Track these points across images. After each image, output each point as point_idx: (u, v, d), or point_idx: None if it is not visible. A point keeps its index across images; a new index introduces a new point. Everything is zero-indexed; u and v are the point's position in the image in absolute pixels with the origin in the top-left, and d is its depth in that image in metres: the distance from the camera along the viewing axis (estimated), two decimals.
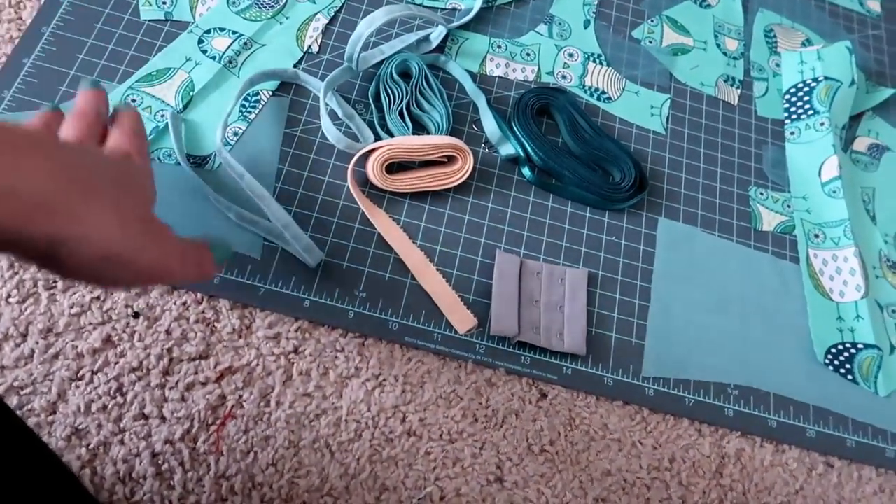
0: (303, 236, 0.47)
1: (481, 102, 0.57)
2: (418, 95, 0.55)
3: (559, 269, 0.52)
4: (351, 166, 0.51)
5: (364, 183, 0.53)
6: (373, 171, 0.51)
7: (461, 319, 0.49)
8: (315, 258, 0.48)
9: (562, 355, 0.50)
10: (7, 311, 0.45)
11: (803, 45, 0.68)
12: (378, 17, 0.52)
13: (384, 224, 0.51)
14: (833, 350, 0.54)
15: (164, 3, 0.56)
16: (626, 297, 0.53)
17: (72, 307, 0.45)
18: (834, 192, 0.58)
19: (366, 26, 0.52)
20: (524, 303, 0.50)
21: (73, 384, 0.44)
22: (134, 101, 0.52)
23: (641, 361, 0.51)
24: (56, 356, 0.44)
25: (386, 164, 0.51)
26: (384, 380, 0.48)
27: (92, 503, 0.37)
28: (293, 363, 0.47)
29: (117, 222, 0.30)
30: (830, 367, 0.53)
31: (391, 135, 0.54)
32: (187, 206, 0.49)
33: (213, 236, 0.39)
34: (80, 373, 0.44)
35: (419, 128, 0.55)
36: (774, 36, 0.68)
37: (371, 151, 0.51)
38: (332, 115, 0.53)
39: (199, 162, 0.51)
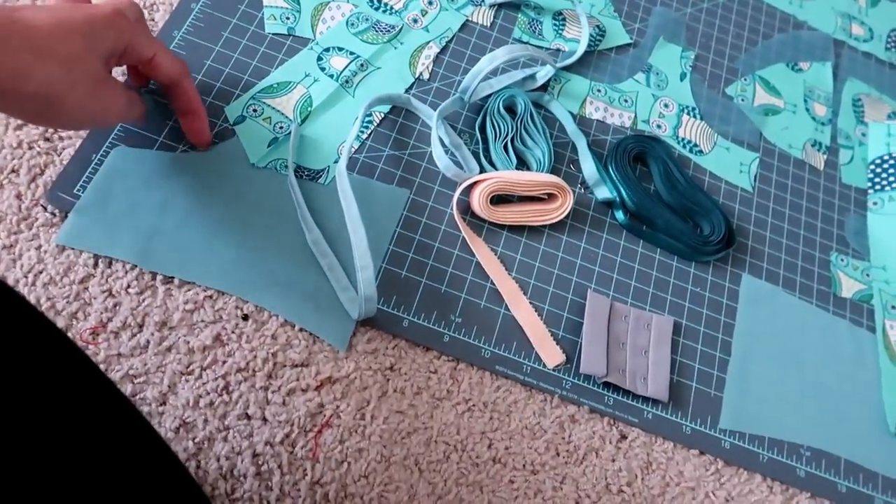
0: (372, 284, 0.47)
1: (581, 144, 0.58)
2: (522, 131, 0.57)
3: (646, 315, 0.54)
4: (456, 195, 0.53)
5: (465, 211, 0.55)
6: (478, 201, 0.52)
7: (550, 354, 0.51)
8: (369, 311, 0.48)
9: (643, 399, 0.51)
10: (126, 301, 0.47)
11: (889, 116, 0.69)
12: (499, 56, 0.54)
13: (483, 253, 0.53)
14: None
15: (288, 18, 0.59)
16: (707, 348, 0.54)
17: (186, 303, 0.47)
18: None
19: (487, 63, 0.54)
20: (611, 344, 0.52)
21: (184, 378, 0.46)
22: (255, 111, 0.54)
23: (719, 413, 0.52)
24: (169, 349, 0.46)
25: (491, 196, 0.53)
26: (473, 405, 0.49)
27: (199, 494, 0.39)
28: (389, 379, 0.49)
29: (66, 79, 0.38)
30: None
31: (494, 167, 0.56)
32: (277, 213, 0.51)
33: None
34: (191, 367, 0.46)
35: (521, 163, 0.57)
36: (862, 105, 0.69)
37: (477, 182, 0.53)
38: (440, 143, 0.55)
39: (312, 176, 0.53)
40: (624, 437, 0.51)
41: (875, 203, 0.64)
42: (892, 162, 0.64)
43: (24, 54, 0.36)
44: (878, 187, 0.64)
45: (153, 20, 0.56)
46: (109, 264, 0.47)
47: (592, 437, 0.50)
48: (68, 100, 0.39)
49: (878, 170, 0.65)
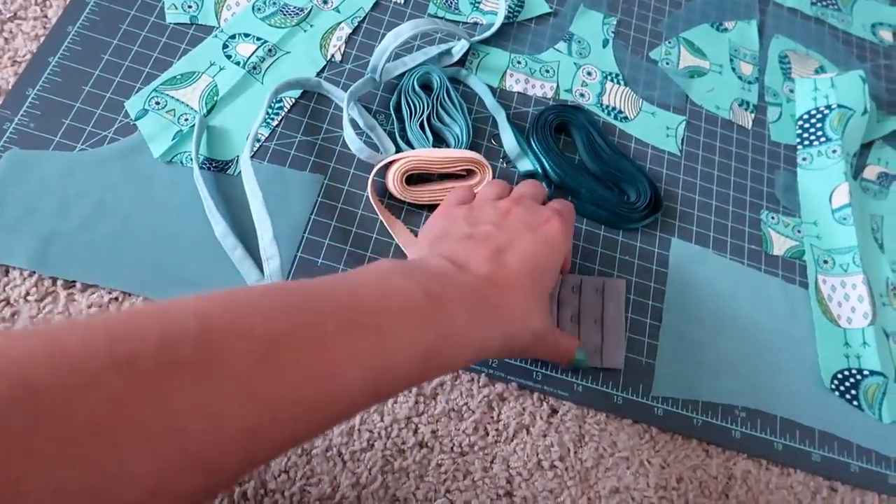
0: (279, 274, 0.46)
1: (501, 118, 0.57)
2: (439, 108, 0.55)
3: (596, 280, 0.53)
4: (371, 177, 0.52)
5: (383, 193, 0.53)
6: (393, 182, 0.51)
7: None
8: None
9: (572, 372, 0.50)
10: (25, 309, 0.45)
11: (817, 71, 0.69)
12: (404, 31, 0.52)
13: (403, 236, 0.52)
14: (839, 376, 0.54)
15: (190, 6, 0.57)
16: (637, 315, 0.54)
17: (90, 307, 0.46)
18: (844, 219, 0.59)
19: (392, 39, 0.52)
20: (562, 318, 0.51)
21: None
22: (158, 103, 0.52)
23: (651, 380, 0.51)
24: None
25: (406, 175, 0.51)
26: None
27: None
28: None
29: (540, 313, 0.40)
30: (836, 393, 0.54)
31: (411, 146, 0.54)
32: (184, 208, 0.49)
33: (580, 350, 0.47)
34: None
35: (439, 140, 0.56)
36: (789, 62, 0.69)
37: (391, 162, 0.52)
38: (354, 125, 0.54)
39: (220, 167, 0.51)
40: (555, 411, 0.50)
41: (804, 159, 0.63)
42: (819, 117, 0.64)
43: (492, 329, 0.37)
44: (806, 143, 0.64)
45: (46, 16, 0.54)
46: (6, 272, 0.45)
47: (522, 414, 0.49)
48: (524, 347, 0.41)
49: (806, 125, 0.64)
